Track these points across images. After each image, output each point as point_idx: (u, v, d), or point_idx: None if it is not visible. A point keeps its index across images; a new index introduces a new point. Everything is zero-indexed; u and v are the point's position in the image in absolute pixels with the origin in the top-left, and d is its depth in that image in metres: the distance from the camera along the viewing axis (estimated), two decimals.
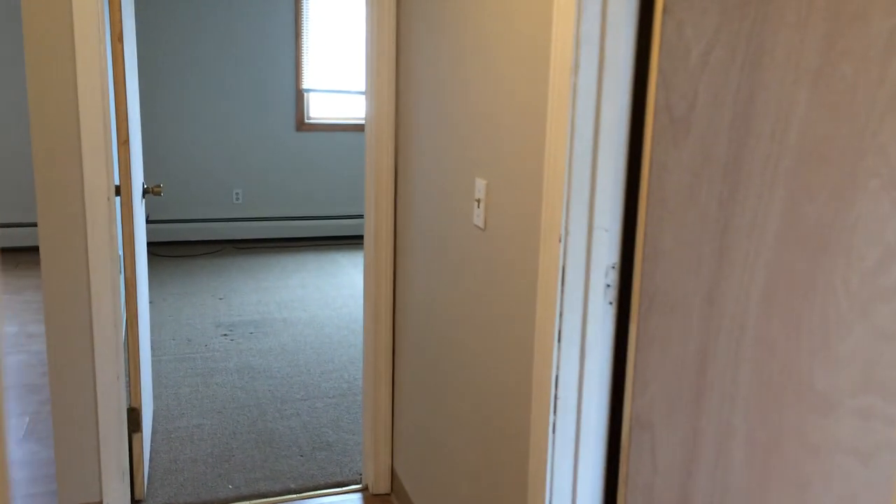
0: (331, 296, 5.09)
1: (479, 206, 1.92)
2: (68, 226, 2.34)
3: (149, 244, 6.11)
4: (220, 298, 4.95)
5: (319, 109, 6.52)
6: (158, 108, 6.00)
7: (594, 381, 1.53)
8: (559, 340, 1.52)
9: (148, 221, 6.10)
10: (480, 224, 1.92)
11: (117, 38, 2.43)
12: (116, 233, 2.44)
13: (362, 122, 6.56)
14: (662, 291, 1.50)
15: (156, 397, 3.49)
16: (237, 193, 6.30)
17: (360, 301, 4.99)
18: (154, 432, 3.17)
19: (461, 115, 2.03)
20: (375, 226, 2.68)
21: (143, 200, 3.16)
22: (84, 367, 2.44)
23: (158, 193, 3.12)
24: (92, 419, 2.48)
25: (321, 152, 6.45)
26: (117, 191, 2.53)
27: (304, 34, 6.22)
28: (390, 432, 2.75)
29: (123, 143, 2.49)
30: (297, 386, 3.67)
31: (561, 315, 1.52)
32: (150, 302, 4.82)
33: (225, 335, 4.31)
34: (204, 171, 6.19)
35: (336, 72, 6.38)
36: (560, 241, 1.50)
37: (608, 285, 1.51)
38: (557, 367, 1.52)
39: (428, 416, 2.39)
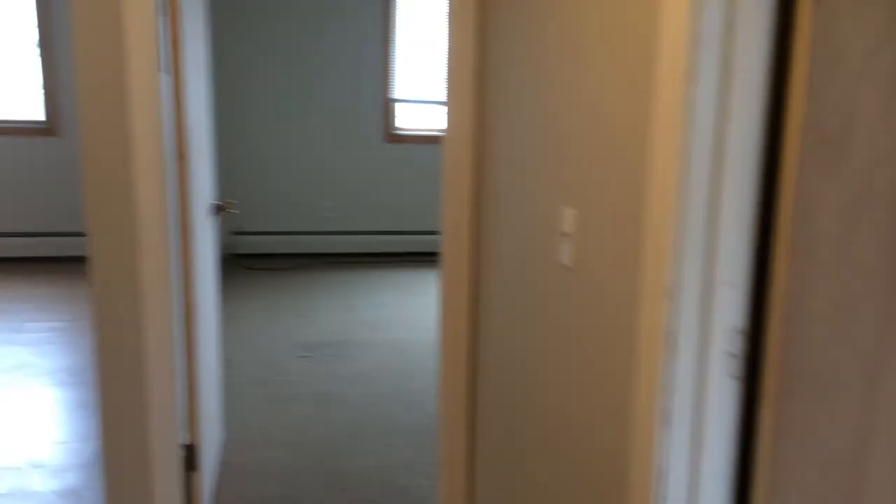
0: (417, 317, 4.84)
1: (566, 241, 1.60)
2: (119, 247, 2.16)
3: (237, 256, 6.05)
4: (303, 316, 4.78)
5: (408, 120, 6.31)
6: (245, 118, 5.93)
7: (712, 479, 1.19)
8: (665, 423, 1.19)
9: (237, 233, 6.04)
10: (568, 262, 1.60)
11: (172, 44, 2.24)
12: (172, 255, 2.25)
13: None
14: (807, 366, 1.15)
15: (227, 423, 3.32)
16: (326, 206, 6.17)
17: None
18: (221, 465, 2.99)
19: (548, 131, 1.72)
20: (452, 253, 2.39)
21: (215, 217, 2.99)
22: (135, 400, 2.25)
23: (229, 209, 2.94)
24: (143, 457, 2.29)
25: (410, 164, 6.24)
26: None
27: (393, 41, 6.03)
28: (468, 488, 2.45)
29: (181, 158, 2.30)
30: (374, 418, 3.43)
31: (667, 391, 1.19)
32: (232, 317, 4.71)
33: (304, 357, 4.12)
34: (291, 183, 6.08)
35: (425, 81, 6.16)
36: (668, 296, 1.17)
37: (732, 355, 1.17)
38: (663, 459, 1.19)
39: (510, 476, 2.08)
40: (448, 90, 2.42)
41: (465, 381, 2.44)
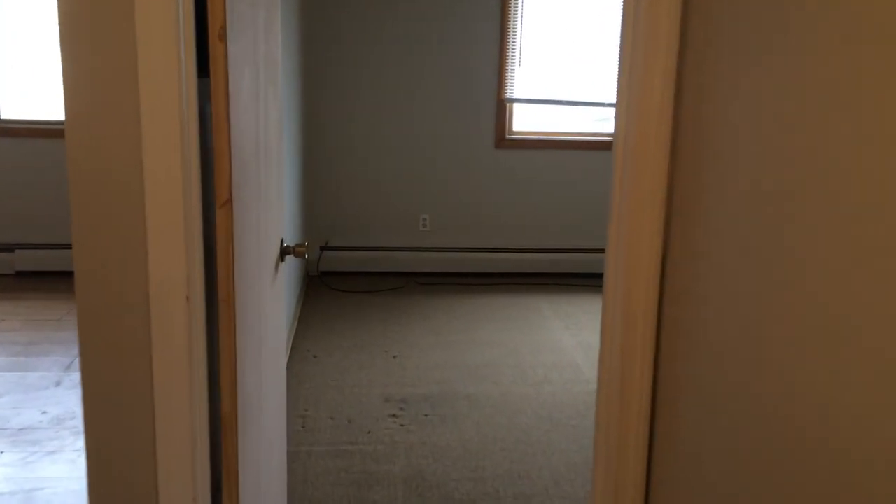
0: (528, 362, 4.03)
1: None
2: (124, 335, 1.45)
3: (324, 274, 5.39)
4: (395, 357, 4.05)
5: (523, 122, 5.49)
6: (336, 117, 5.24)
7: None
8: None
9: (324, 248, 5.38)
10: None
11: (217, 37, 1.51)
12: (202, 342, 1.53)
13: (575, 137, 5.45)
14: None
15: None
16: (424, 219, 5.43)
17: (566, 374, 3.90)
18: None
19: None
20: (621, 317, 1.58)
21: (281, 264, 2.27)
22: None
23: (303, 255, 2.22)
24: None
25: (524, 173, 5.42)
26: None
27: (512, 32, 5.21)
28: None
29: (224, 205, 1.57)
30: None
31: None
32: (314, 357, 4.02)
33: (394, 416, 3.38)
34: (386, 192, 5.37)
35: (547, 77, 5.32)
36: None
37: None
38: None
39: None
40: (621, 97, 1.60)
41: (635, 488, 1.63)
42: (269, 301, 2.03)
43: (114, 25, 1.34)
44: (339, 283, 5.24)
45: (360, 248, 5.41)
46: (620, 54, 1.59)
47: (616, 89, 1.62)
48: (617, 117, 1.62)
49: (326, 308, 4.77)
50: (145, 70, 1.35)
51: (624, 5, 1.58)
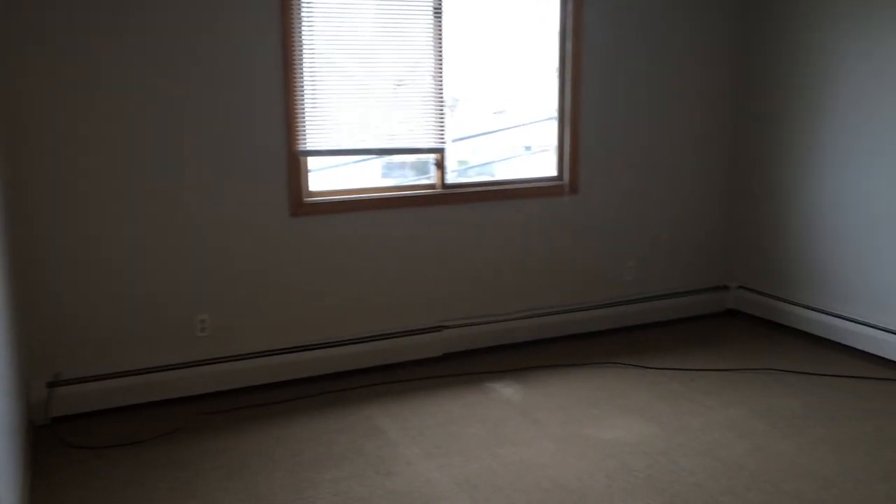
0: None
1: None
2: None
3: (58, 422, 3.67)
4: None
5: (324, 180, 4.25)
6: (48, 189, 3.61)
7: None
8: None
9: (55, 384, 3.67)
10: None
11: None
12: None
13: (390, 193, 4.30)
14: None
15: None
16: (202, 322, 3.94)
17: None
18: None
19: None
20: None
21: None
22: None
23: None
24: None
25: (330, 246, 4.16)
26: None
27: (300, 62, 3.94)
28: None
29: None
30: None
31: None
32: None
33: None
34: (143, 290, 3.81)
35: (350, 123, 4.12)
36: None
37: None
38: None
39: None
40: None
41: None
42: None
43: None
44: (83, 435, 3.57)
45: (110, 374, 3.77)
46: None
47: None
48: None
49: (69, 488, 3.12)
50: None
51: None
